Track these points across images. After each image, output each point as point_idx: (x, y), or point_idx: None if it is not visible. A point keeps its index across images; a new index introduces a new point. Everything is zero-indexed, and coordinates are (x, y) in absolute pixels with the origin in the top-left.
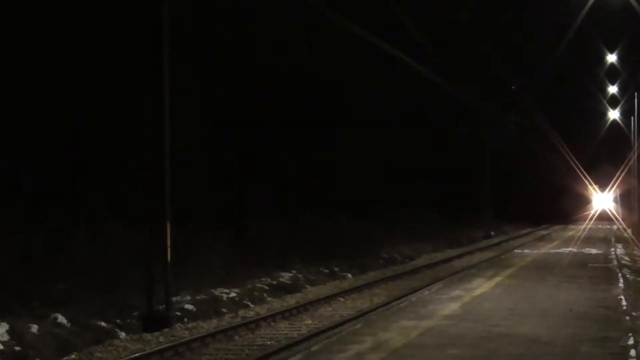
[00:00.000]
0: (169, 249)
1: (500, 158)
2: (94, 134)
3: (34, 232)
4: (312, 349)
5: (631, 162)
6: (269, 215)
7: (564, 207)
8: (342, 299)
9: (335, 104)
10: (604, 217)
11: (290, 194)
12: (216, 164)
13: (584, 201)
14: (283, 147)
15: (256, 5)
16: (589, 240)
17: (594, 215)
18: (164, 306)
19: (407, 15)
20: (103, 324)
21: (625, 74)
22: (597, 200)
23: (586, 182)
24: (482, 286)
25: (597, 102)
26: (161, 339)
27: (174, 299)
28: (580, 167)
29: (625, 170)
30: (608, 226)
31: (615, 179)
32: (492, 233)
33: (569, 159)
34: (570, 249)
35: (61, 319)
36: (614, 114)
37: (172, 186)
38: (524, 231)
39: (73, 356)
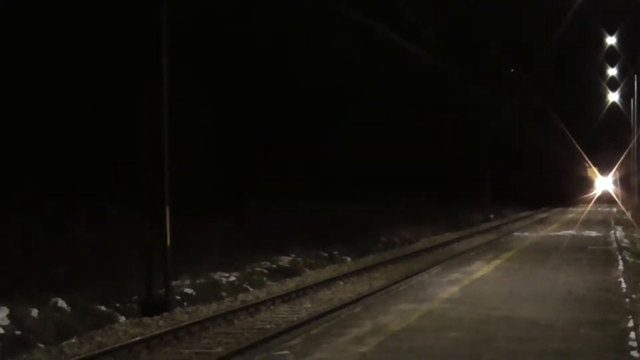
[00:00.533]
0: (168, 233)
1: (500, 141)
2: (93, 121)
3: (34, 217)
4: (312, 332)
5: (631, 145)
6: (268, 200)
7: (564, 189)
8: (341, 283)
9: (336, 90)
10: (603, 199)
11: (290, 179)
12: (216, 150)
13: (584, 184)
14: (283, 134)
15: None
16: (589, 223)
17: (593, 197)
18: (164, 290)
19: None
20: (103, 308)
21: (624, 56)
22: (598, 183)
23: (586, 164)
24: (481, 269)
25: (597, 85)
26: (161, 322)
27: (174, 283)
28: (580, 149)
29: (625, 153)
30: (607, 209)
31: (612, 161)
32: (492, 216)
33: (569, 142)
34: (569, 231)
35: (61, 303)
36: (613, 97)
37: (172, 171)
38: (524, 214)
39: (73, 340)
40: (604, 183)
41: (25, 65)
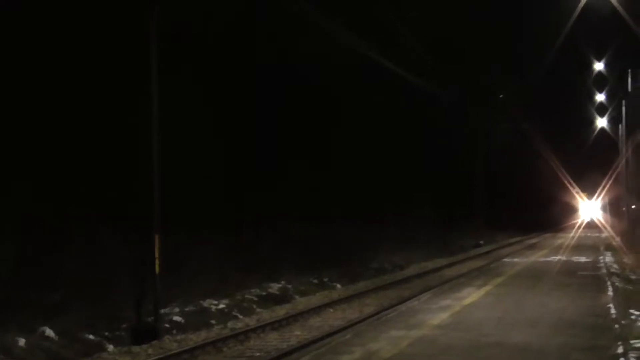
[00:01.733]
0: (157, 261)
1: (490, 166)
2: (86, 145)
3: (23, 240)
4: None
5: (618, 169)
6: (260, 222)
7: (554, 215)
8: (331, 310)
9: (329, 111)
10: (592, 225)
11: (281, 200)
12: (208, 173)
13: (573, 209)
14: (276, 156)
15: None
16: (578, 248)
17: (582, 223)
18: (153, 318)
19: (400, 22)
20: (91, 336)
21: (612, 81)
22: (585, 209)
23: (573, 190)
24: (472, 295)
25: (585, 110)
26: (150, 351)
27: (163, 310)
28: (569, 175)
29: (613, 178)
30: (597, 234)
31: (602, 186)
32: (482, 242)
33: (557, 167)
34: (559, 257)
35: (49, 332)
36: (601, 122)
37: (163, 196)
38: (514, 239)
39: None
40: (592, 208)
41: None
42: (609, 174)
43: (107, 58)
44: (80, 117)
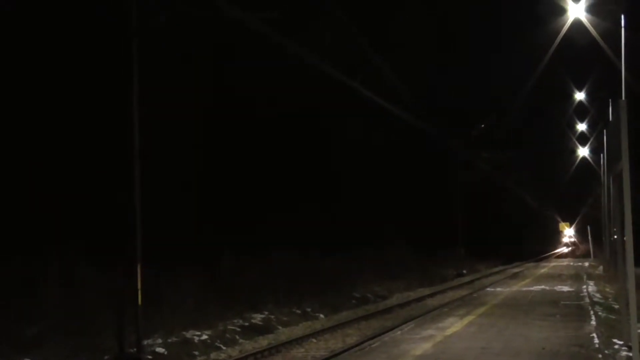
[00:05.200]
0: (139, 292)
1: (472, 195)
2: (65, 174)
3: (3, 272)
4: None
5: (601, 199)
6: (241, 254)
7: (536, 244)
8: (314, 340)
9: (313, 144)
10: (575, 253)
11: (262, 231)
12: (189, 203)
13: (555, 238)
14: (256, 186)
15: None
16: (561, 277)
17: (564, 252)
18: (135, 349)
19: (379, 56)
20: None
21: (593, 111)
22: (565, 238)
23: (555, 219)
24: (454, 325)
25: (567, 140)
26: None
27: (145, 341)
28: (550, 204)
29: (595, 208)
30: (579, 263)
31: (583, 215)
32: (464, 271)
33: (538, 197)
34: (542, 286)
35: None
36: (583, 151)
37: (145, 227)
38: (496, 269)
39: None
40: (574, 238)
41: None
42: (590, 203)
43: (86, 87)
44: (57, 148)
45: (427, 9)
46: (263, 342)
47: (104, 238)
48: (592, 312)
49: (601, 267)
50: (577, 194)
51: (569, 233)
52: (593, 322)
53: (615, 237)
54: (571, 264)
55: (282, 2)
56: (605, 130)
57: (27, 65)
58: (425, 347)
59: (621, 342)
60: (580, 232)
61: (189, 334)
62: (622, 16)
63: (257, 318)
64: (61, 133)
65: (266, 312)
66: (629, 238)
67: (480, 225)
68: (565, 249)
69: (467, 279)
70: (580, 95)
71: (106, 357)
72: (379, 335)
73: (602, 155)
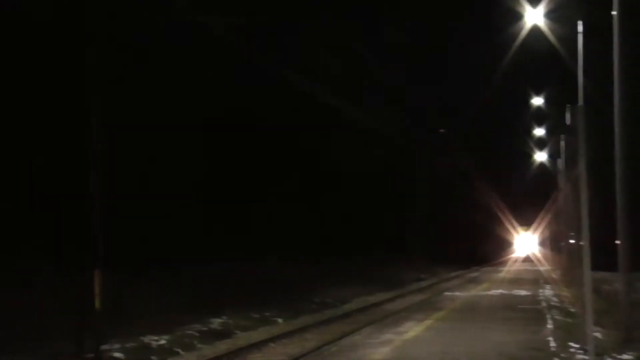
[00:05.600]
0: (97, 297)
1: (429, 201)
2: (22, 176)
3: None
4: None
5: (557, 204)
6: (200, 260)
7: (494, 248)
8: (272, 344)
9: (266, 154)
10: (532, 259)
11: (220, 236)
12: (145, 206)
13: (512, 243)
14: (214, 191)
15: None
16: (518, 281)
17: (521, 257)
18: (94, 355)
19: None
20: None
21: (551, 117)
22: (522, 243)
23: (511, 224)
24: (413, 329)
25: (524, 144)
26: None
27: (103, 347)
28: (507, 209)
29: (552, 213)
30: (537, 268)
31: (540, 220)
32: (423, 276)
33: (495, 201)
34: (500, 290)
35: None
36: (540, 156)
37: (104, 231)
38: (454, 273)
39: None
40: (529, 242)
41: None
42: (547, 208)
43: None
44: (13, 143)
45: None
46: (221, 346)
47: (64, 242)
48: (548, 316)
49: (558, 272)
50: (535, 199)
51: (526, 238)
52: (550, 326)
53: (572, 241)
54: (529, 268)
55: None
56: (562, 136)
57: None
58: (384, 351)
59: (577, 346)
60: (543, 241)
61: (147, 339)
62: (580, 22)
63: (216, 323)
64: (21, 130)
65: (225, 317)
66: (585, 243)
67: (439, 230)
68: (522, 254)
69: (425, 283)
70: (538, 101)
71: None
72: (338, 339)
73: (558, 160)
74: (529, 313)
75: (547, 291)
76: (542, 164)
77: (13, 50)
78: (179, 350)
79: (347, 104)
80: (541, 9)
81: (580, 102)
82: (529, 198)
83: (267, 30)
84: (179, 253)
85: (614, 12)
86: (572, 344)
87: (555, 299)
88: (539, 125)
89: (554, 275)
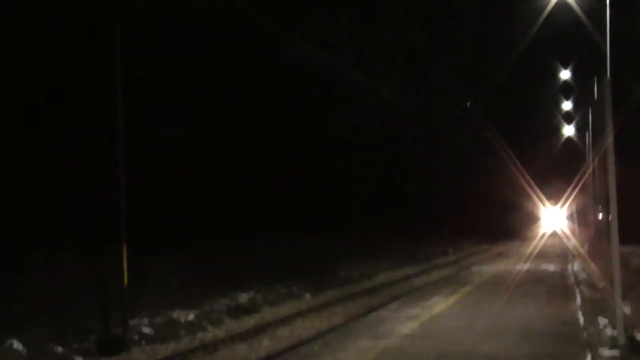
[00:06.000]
0: (125, 272)
1: (456, 174)
2: (49, 156)
3: None
4: None
5: (585, 178)
6: (226, 234)
7: (521, 223)
8: (300, 319)
9: (296, 127)
10: (559, 233)
11: (247, 211)
12: (174, 184)
13: (540, 217)
14: (240, 166)
15: None
16: (546, 256)
17: (548, 232)
18: (122, 329)
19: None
20: (60, 348)
21: (578, 89)
22: (550, 217)
23: (539, 198)
24: (440, 304)
25: (552, 118)
26: None
27: (131, 322)
28: (535, 183)
29: (580, 187)
30: (565, 242)
31: (568, 194)
32: (450, 250)
33: (523, 175)
34: (527, 265)
35: (17, 344)
36: (568, 130)
37: (130, 207)
38: (482, 247)
39: None
40: (557, 216)
41: None
42: (575, 182)
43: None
44: (40, 124)
45: None
46: (249, 321)
47: (90, 220)
48: (577, 291)
49: (586, 247)
50: (563, 173)
51: (554, 213)
52: (578, 301)
53: (601, 215)
54: (556, 243)
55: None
56: (590, 109)
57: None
58: (411, 325)
59: (605, 320)
60: (571, 216)
61: (175, 314)
62: None
63: (243, 298)
64: (44, 116)
65: (252, 292)
66: (614, 216)
67: (465, 205)
68: (549, 229)
69: (452, 257)
70: (565, 74)
71: (92, 337)
72: (365, 314)
73: (587, 134)
74: (556, 288)
75: (575, 265)
76: (569, 138)
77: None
78: (207, 325)
79: (373, 81)
80: None
81: (608, 75)
82: (557, 172)
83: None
84: (204, 230)
85: None
86: (600, 318)
87: (583, 273)
88: (567, 98)
89: (581, 250)
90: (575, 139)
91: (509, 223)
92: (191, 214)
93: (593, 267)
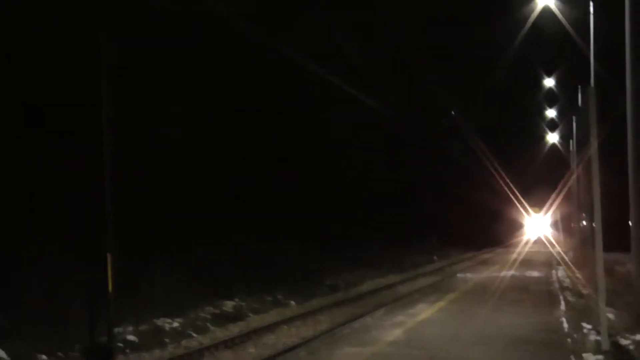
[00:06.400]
0: (110, 280)
1: (443, 183)
2: (34, 161)
3: None
4: None
5: (568, 185)
6: (212, 243)
7: (506, 230)
8: (285, 327)
9: (280, 129)
10: (543, 241)
11: (233, 219)
12: (158, 191)
13: (524, 225)
14: (226, 173)
15: None
16: (531, 263)
17: (533, 239)
18: (107, 338)
19: (349, 42)
20: (44, 357)
21: (563, 98)
22: (534, 225)
23: (523, 206)
24: (425, 311)
25: (536, 126)
26: None
27: (116, 330)
28: (518, 191)
29: (564, 195)
30: (549, 249)
31: (552, 202)
32: (435, 258)
33: (506, 183)
34: (512, 272)
35: (1, 353)
36: (552, 137)
37: (115, 216)
38: (467, 255)
39: None
40: (541, 224)
41: None
42: (558, 189)
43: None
44: (27, 132)
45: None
46: (234, 329)
47: (75, 227)
48: (561, 297)
49: (571, 254)
50: (547, 181)
51: (538, 220)
52: (562, 307)
53: (584, 222)
54: (541, 250)
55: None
56: (574, 117)
57: None
58: (396, 333)
59: (590, 326)
60: (555, 223)
61: (160, 322)
62: (591, 3)
63: (229, 305)
64: (30, 122)
65: (237, 300)
66: (598, 224)
67: (451, 212)
68: (533, 236)
69: (438, 265)
70: (549, 82)
71: (77, 346)
72: (351, 321)
73: (570, 141)
74: (541, 295)
75: (560, 272)
76: (554, 145)
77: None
78: (192, 333)
79: (361, 91)
80: None
81: (592, 83)
82: (541, 180)
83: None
84: (189, 237)
85: None
86: (585, 324)
87: (567, 280)
88: (551, 106)
89: (566, 257)
90: (559, 146)
91: (493, 230)
92: (178, 221)
93: (578, 274)
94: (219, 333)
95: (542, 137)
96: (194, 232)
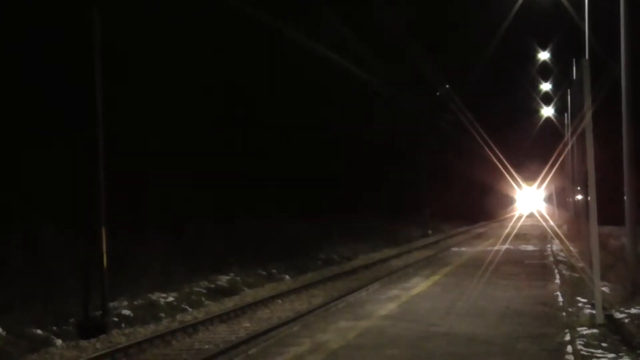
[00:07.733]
0: (104, 255)
1: (436, 157)
2: (27, 137)
3: None
4: (250, 352)
5: (562, 158)
6: (206, 218)
7: (501, 205)
8: (280, 301)
9: (276, 106)
10: (538, 214)
11: (227, 194)
12: (152, 166)
13: (518, 199)
14: (220, 149)
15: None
16: (525, 237)
17: (526, 213)
18: (101, 312)
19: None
20: (39, 332)
21: (557, 70)
22: (528, 198)
23: (515, 180)
24: (419, 285)
25: (530, 99)
26: (98, 345)
27: (111, 304)
28: (512, 165)
29: (558, 168)
30: (543, 223)
31: (545, 175)
32: (430, 232)
33: (500, 157)
34: (506, 246)
35: None
36: (547, 111)
37: (109, 190)
38: (461, 229)
39: None
40: (537, 197)
41: None
42: (552, 163)
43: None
44: (20, 114)
45: None
46: (229, 303)
47: (69, 203)
48: (556, 271)
49: (565, 227)
50: (541, 155)
51: (532, 193)
52: (557, 281)
53: (579, 196)
54: (536, 224)
55: None
56: (569, 90)
57: None
58: (390, 307)
59: (584, 300)
60: (549, 197)
61: (154, 296)
62: None
63: (223, 280)
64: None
65: (232, 274)
66: (592, 197)
67: (445, 187)
68: (527, 210)
69: (432, 239)
70: (544, 55)
71: (72, 320)
72: (345, 295)
73: (565, 114)
74: (535, 268)
75: (554, 246)
76: (548, 119)
77: None
78: (187, 307)
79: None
80: None
81: (586, 56)
82: (535, 154)
83: None
84: (184, 212)
85: None
86: (579, 298)
87: (562, 254)
88: (546, 79)
89: (560, 231)
90: (554, 119)
91: (487, 204)
92: (173, 197)
93: (572, 247)
94: (214, 307)
95: (537, 111)
96: (190, 208)
